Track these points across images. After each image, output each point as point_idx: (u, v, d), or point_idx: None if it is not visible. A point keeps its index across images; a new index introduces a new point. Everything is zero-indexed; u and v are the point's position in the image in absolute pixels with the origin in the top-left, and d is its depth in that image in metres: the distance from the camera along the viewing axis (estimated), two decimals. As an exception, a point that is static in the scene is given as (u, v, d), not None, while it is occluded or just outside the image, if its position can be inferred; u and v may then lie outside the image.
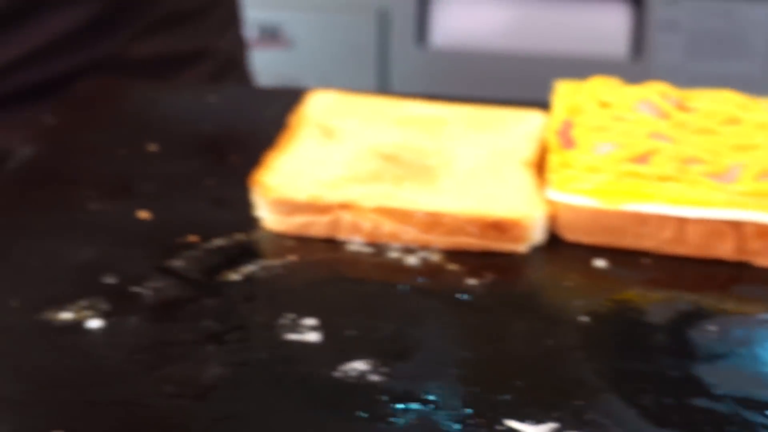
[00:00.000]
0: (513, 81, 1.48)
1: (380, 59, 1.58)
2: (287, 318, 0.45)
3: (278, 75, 1.59)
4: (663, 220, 0.49)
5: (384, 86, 1.56)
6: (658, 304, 0.46)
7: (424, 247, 0.49)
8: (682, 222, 0.49)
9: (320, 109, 0.57)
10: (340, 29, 1.58)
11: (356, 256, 0.49)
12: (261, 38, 1.61)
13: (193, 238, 0.49)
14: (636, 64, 1.49)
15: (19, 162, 0.55)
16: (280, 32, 1.61)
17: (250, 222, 0.51)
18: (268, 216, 0.51)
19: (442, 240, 0.49)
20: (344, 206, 0.49)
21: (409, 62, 1.56)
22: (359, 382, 0.41)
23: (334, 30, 1.59)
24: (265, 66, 1.60)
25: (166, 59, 0.78)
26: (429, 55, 1.56)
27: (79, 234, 0.50)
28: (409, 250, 0.49)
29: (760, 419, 0.39)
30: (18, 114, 0.68)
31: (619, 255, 0.49)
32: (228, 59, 0.84)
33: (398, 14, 1.54)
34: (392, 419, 0.39)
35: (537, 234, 0.49)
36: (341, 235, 0.50)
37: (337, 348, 0.43)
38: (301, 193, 0.50)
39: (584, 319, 0.45)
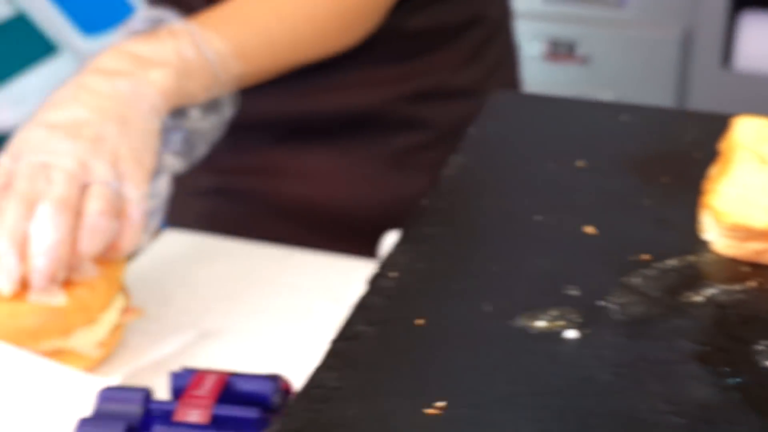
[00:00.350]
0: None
1: (681, 79, 1.55)
2: (762, 345, 0.44)
3: (570, 88, 1.59)
4: None
5: (682, 107, 1.53)
6: None
7: None
8: None
9: (750, 135, 0.57)
10: (641, 47, 1.56)
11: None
12: (555, 52, 1.61)
13: (645, 257, 0.50)
14: None
15: (453, 169, 0.58)
16: (576, 47, 1.61)
17: (697, 244, 0.51)
18: (719, 240, 0.51)
19: None
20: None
21: (711, 83, 1.52)
22: None
23: (634, 47, 1.57)
24: (557, 79, 1.61)
25: (439, 30, 0.81)
26: (732, 78, 1.52)
27: (531, 244, 0.52)
28: None
29: None
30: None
31: None
32: (495, 27, 0.85)
33: (704, 34, 1.51)
34: None
35: None
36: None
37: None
38: (758, 220, 0.50)
39: None
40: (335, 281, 0.72)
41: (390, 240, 0.63)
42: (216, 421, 0.51)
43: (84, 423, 0.51)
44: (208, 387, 0.52)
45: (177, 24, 0.69)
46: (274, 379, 0.54)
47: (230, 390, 0.53)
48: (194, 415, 0.50)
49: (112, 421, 0.50)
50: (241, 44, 0.70)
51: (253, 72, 0.72)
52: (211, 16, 0.71)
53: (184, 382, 0.53)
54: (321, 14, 0.74)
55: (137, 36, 0.68)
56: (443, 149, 0.63)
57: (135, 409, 0.52)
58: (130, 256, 0.72)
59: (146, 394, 0.53)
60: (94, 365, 0.63)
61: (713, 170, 0.55)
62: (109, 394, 0.52)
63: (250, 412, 0.51)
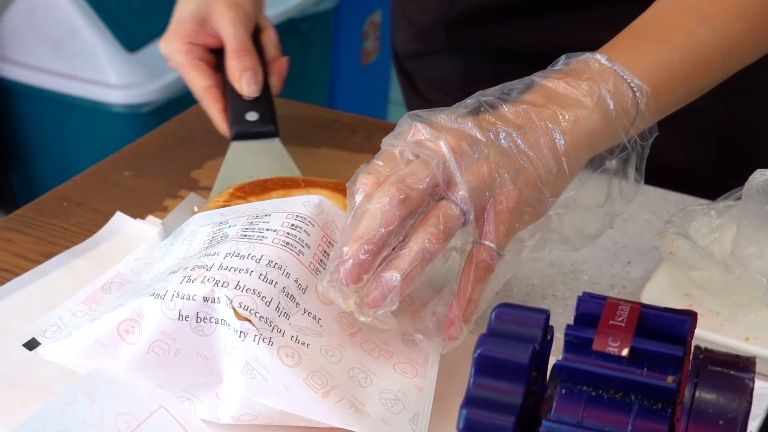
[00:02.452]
0: None
1: None
2: None
3: None
4: None
5: None
6: None
7: None
8: None
9: None
10: None
11: None
12: None
13: None
14: None
15: None
16: None
17: None
18: None
19: None
20: None
21: None
22: None
23: None
24: None
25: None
26: None
27: None
28: None
29: None
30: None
31: None
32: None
33: None
34: None
35: None
36: None
37: None
38: None
39: None
40: None
41: None
42: (634, 355, 0.44)
43: (484, 340, 0.45)
44: (624, 317, 0.45)
45: (597, 61, 0.63)
46: (688, 314, 0.46)
47: (642, 323, 0.46)
48: (614, 347, 0.44)
49: (516, 342, 0.45)
50: (659, 81, 0.64)
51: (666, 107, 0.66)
52: (627, 45, 0.65)
53: (592, 308, 0.46)
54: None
55: (556, 74, 0.63)
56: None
57: (535, 332, 0.46)
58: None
59: (548, 317, 0.47)
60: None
61: None
62: (506, 313, 0.47)
63: (673, 350, 0.44)
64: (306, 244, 0.61)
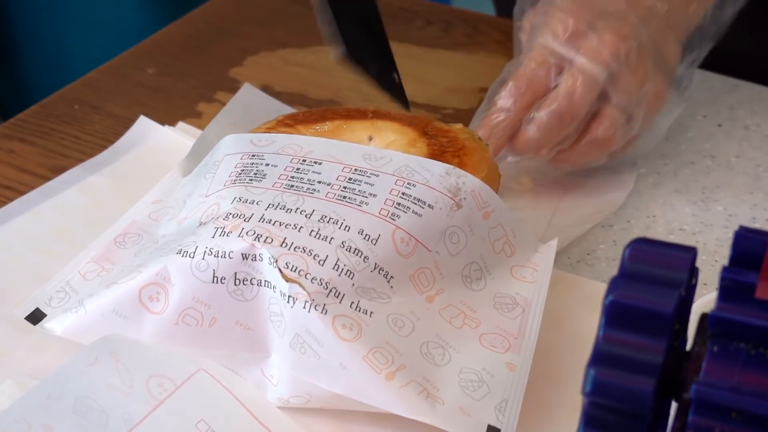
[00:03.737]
0: None
1: None
2: None
3: None
4: None
5: None
6: None
7: None
8: None
9: None
10: None
11: None
12: None
13: None
14: None
15: None
16: None
17: None
18: None
19: None
20: None
21: None
22: None
23: None
24: None
25: None
26: None
27: None
28: None
29: None
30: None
31: None
32: None
33: None
34: None
35: None
36: None
37: None
38: None
39: None
40: None
41: None
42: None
43: (618, 283, 0.44)
44: (794, 256, 0.43)
45: None
46: None
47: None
48: (782, 293, 0.42)
49: (658, 287, 0.43)
50: None
51: None
52: None
53: (754, 246, 0.45)
54: None
55: None
56: None
57: (681, 274, 0.45)
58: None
59: (694, 255, 0.45)
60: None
61: None
62: (644, 250, 0.45)
63: None
64: (370, 194, 0.60)
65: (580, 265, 0.69)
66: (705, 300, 0.58)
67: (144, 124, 0.78)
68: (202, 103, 0.83)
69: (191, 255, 0.57)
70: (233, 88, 0.84)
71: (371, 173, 0.61)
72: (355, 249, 0.57)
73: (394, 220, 0.59)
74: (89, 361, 0.55)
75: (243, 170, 0.62)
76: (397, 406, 0.54)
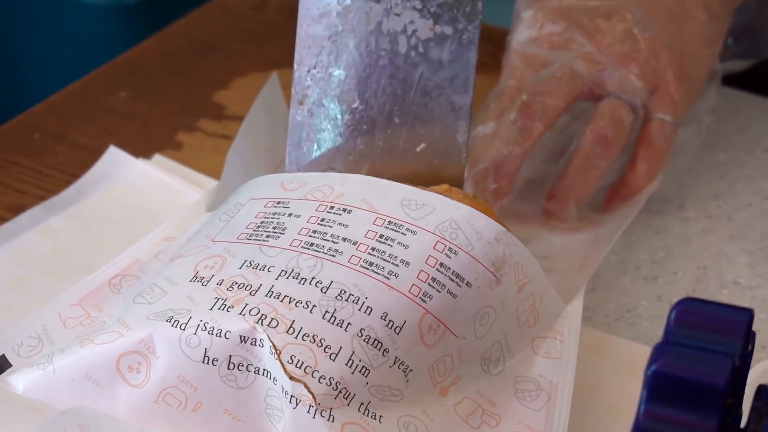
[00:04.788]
0: None
1: None
2: None
3: None
4: None
5: None
6: None
7: None
8: None
9: None
10: None
11: None
12: None
13: None
14: None
15: None
16: None
17: None
18: None
19: None
20: None
21: None
22: None
23: None
24: None
25: None
26: None
27: None
28: None
29: None
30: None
31: None
32: None
33: None
34: None
35: None
36: None
37: None
38: None
39: None
40: None
41: None
42: None
43: (663, 350, 0.45)
44: None
45: None
46: None
47: None
48: None
49: (709, 355, 0.44)
50: None
51: None
52: None
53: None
54: None
55: None
56: None
57: (734, 340, 0.45)
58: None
59: (751, 318, 0.46)
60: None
61: None
62: (693, 312, 0.46)
63: None
64: (403, 261, 0.59)
65: (619, 323, 0.70)
66: (763, 367, 0.59)
67: (114, 156, 0.79)
68: (182, 133, 0.84)
69: (182, 326, 0.57)
70: (218, 114, 0.85)
71: (408, 228, 0.60)
72: (375, 340, 0.57)
73: (425, 301, 0.58)
74: (56, 433, 0.56)
75: (262, 223, 0.62)
76: None
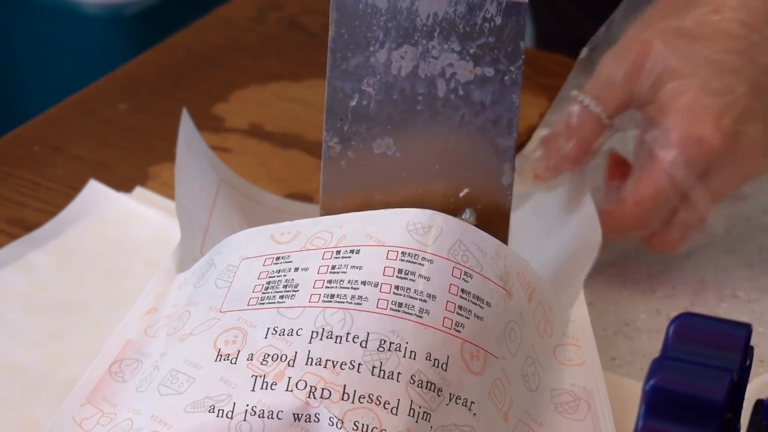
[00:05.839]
0: None
1: None
2: None
3: None
4: None
5: None
6: None
7: None
8: None
9: None
10: None
11: None
12: None
13: None
14: None
15: None
16: None
17: None
18: None
19: None
20: None
21: None
22: None
23: None
24: None
25: None
26: None
27: None
28: None
29: None
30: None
31: None
32: None
33: None
34: None
35: None
36: None
37: None
38: None
39: None
40: None
41: None
42: None
43: (660, 365, 0.45)
44: None
45: None
46: None
47: None
48: None
49: (706, 370, 0.45)
50: None
51: None
52: None
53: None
54: None
55: None
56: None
57: (732, 355, 0.46)
58: None
59: (749, 333, 0.47)
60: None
61: None
62: (691, 327, 0.46)
63: None
64: (429, 295, 0.58)
65: (617, 337, 0.70)
66: (762, 382, 0.59)
67: (94, 190, 0.78)
68: (181, 145, 0.84)
69: (229, 415, 0.55)
70: (218, 127, 0.85)
71: (423, 258, 0.59)
72: (427, 383, 0.56)
73: (459, 331, 0.57)
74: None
75: (269, 283, 0.60)
76: None
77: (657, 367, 0.45)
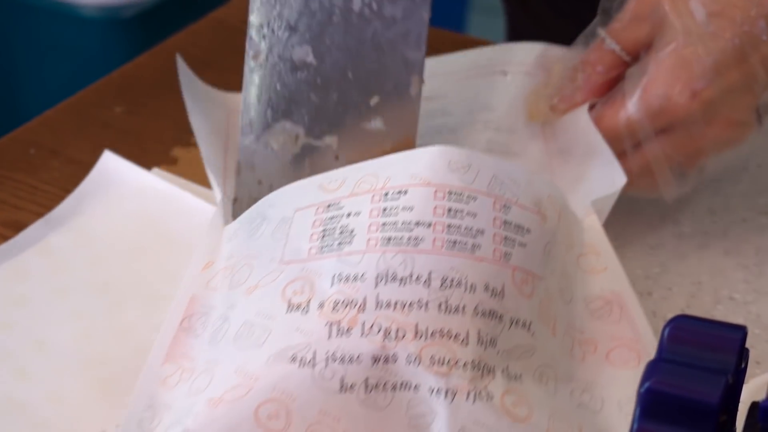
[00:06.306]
0: None
1: None
2: None
3: None
4: None
5: None
6: None
7: None
8: None
9: None
10: None
11: None
12: None
13: None
14: None
15: None
16: None
17: None
18: None
19: None
20: None
21: None
22: None
23: None
24: None
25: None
26: None
27: None
28: None
29: None
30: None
31: None
32: None
33: None
34: None
35: None
36: None
37: None
38: None
39: None
40: None
41: None
42: None
43: (655, 368, 0.45)
44: None
45: None
46: None
47: None
48: None
49: (701, 373, 0.45)
50: None
51: None
52: None
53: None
54: None
55: None
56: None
57: (728, 357, 0.46)
58: None
59: (744, 336, 0.47)
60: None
61: None
62: (686, 330, 0.46)
63: None
64: (478, 231, 0.61)
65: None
66: (757, 384, 0.59)
67: (110, 161, 0.79)
68: (177, 148, 0.84)
69: (311, 363, 0.58)
70: (213, 130, 0.85)
71: (468, 196, 0.62)
72: (489, 311, 0.59)
73: (508, 260, 0.61)
74: None
75: (324, 231, 0.62)
76: None
77: (652, 369, 0.45)
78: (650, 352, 0.62)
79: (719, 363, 0.45)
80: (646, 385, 0.44)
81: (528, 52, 0.85)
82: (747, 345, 0.47)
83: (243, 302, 0.62)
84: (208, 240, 0.68)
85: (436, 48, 0.94)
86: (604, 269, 0.66)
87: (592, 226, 0.68)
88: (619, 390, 0.62)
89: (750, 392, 0.58)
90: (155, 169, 0.80)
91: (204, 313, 0.64)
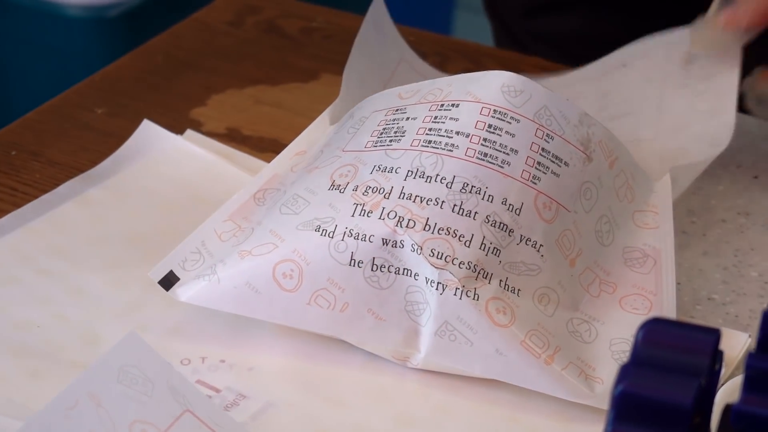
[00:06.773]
0: None
1: None
2: None
3: None
4: None
5: None
6: None
7: None
8: None
9: None
10: None
11: None
12: None
13: None
14: None
15: None
16: None
17: None
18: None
19: None
20: None
21: None
22: None
23: None
24: None
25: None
26: None
27: None
28: None
29: None
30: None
31: None
32: None
33: None
34: None
35: None
36: None
37: None
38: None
39: None
40: None
41: None
42: None
43: (628, 371, 0.45)
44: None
45: None
46: None
47: None
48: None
49: (674, 376, 0.45)
50: None
51: None
52: None
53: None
54: None
55: None
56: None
57: (701, 359, 0.46)
58: None
59: (718, 338, 0.47)
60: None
61: None
62: (659, 332, 0.47)
63: None
64: (512, 149, 0.66)
65: (593, 340, 0.70)
66: (732, 385, 0.59)
67: (148, 129, 0.83)
68: (158, 149, 0.84)
69: (330, 234, 0.64)
70: (195, 131, 0.85)
71: (512, 117, 0.67)
72: (500, 223, 0.65)
73: (535, 183, 0.66)
74: (69, 404, 0.58)
75: (384, 129, 0.69)
76: (560, 391, 0.63)
77: (625, 372, 0.45)
78: (664, 308, 0.67)
79: (693, 366, 0.45)
80: (620, 387, 0.44)
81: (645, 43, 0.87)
82: (722, 348, 0.47)
83: (301, 179, 0.69)
84: (308, 132, 0.75)
85: (421, 51, 0.95)
86: (656, 227, 0.71)
87: (662, 190, 0.73)
88: (615, 329, 0.66)
89: (724, 395, 0.58)
90: (189, 131, 0.83)
91: (277, 189, 0.71)
